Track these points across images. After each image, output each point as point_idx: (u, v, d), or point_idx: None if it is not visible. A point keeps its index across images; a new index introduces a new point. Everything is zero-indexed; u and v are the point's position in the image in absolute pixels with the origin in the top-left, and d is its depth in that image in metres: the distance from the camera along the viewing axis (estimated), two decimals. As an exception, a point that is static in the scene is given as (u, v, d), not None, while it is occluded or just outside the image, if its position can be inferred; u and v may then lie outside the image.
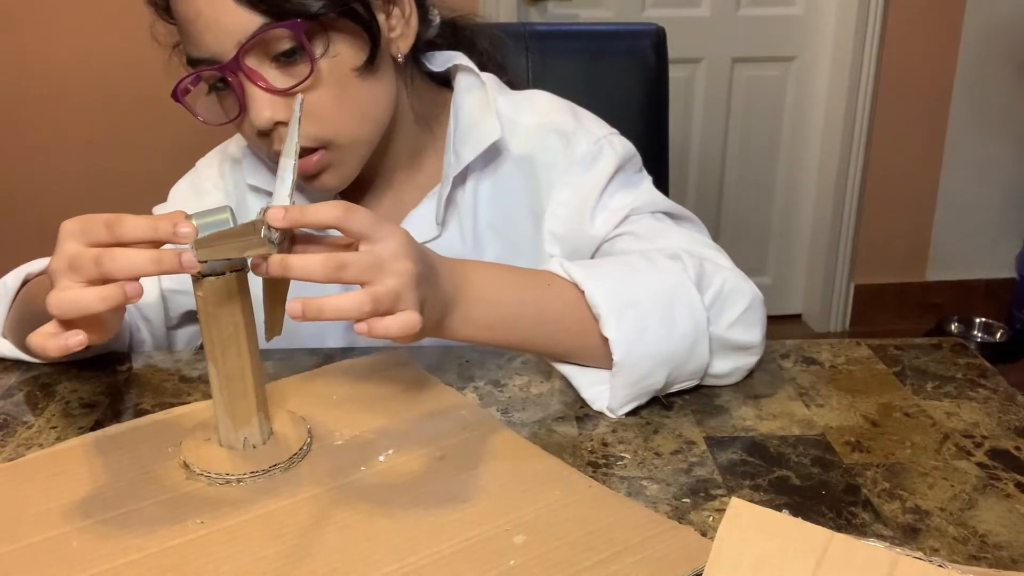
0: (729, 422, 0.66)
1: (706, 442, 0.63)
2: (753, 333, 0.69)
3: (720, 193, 2.45)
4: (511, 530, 0.52)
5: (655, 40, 1.07)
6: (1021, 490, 0.58)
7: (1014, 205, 2.47)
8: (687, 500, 0.56)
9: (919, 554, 0.50)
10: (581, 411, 0.67)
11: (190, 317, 0.87)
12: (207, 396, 0.70)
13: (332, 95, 0.73)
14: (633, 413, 0.67)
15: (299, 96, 0.61)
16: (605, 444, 0.63)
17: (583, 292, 0.66)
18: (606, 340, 0.64)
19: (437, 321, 0.61)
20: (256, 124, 0.71)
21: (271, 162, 0.76)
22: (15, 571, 0.51)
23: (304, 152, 0.73)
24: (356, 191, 0.83)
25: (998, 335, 2.38)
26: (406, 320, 0.55)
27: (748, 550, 0.49)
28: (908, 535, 0.53)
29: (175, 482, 0.58)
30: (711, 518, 0.55)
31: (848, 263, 2.47)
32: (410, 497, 0.55)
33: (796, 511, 0.55)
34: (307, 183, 0.76)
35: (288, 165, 0.56)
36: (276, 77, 0.71)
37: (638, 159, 0.84)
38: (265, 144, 0.74)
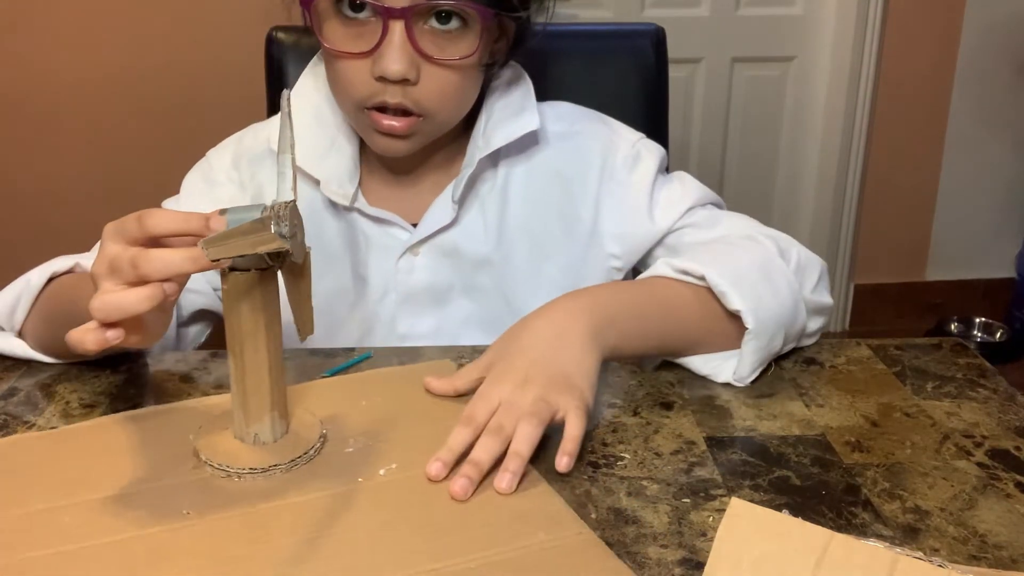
0: (729, 422, 0.66)
1: (706, 442, 0.63)
2: (828, 296, 0.78)
3: (720, 192, 2.42)
4: (475, 568, 0.50)
5: (655, 40, 1.07)
6: (1021, 490, 0.58)
7: (1014, 205, 2.47)
8: (687, 500, 0.56)
9: (919, 554, 0.50)
10: (581, 411, 0.67)
11: (200, 316, 0.88)
12: (207, 396, 0.70)
13: (457, 78, 0.76)
14: (634, 413, 0.67)
15: (286, 91, 0.61)
16: (605, 444, 0.63)
17: (703, 277, 0.70)
18: (731, 317, 0.70)
19: (609, 349, 0.66)
20: (386, 71, 0.72)
21: (356, 111, 0.77)
22: (6, 536, 0.53)
23: (403, 112, 0.75)
24: (389, 180, 0.85)
25: (998, 335, 2.38)
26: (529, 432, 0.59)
27: (748, 550, 0.49)
28: (908, 535, 0.53)
29: (182, 469, 0.59)
30: (711, 518, 0.55)
31: (848, 263, 2.47)
32: (389, 518, 0.54)
33: (796, 511, 0.55)
34: (385, 140, 0.77)
35: (287, 160, 0.57)
36: (428, 41, 0.73)
37: (667, 158, 0.89)
38: (370, 89, 0.74)
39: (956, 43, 2.28)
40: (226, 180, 0.86)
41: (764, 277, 0.72)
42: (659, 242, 0.85)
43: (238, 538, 0.53)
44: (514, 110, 0.83)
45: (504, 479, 0.56)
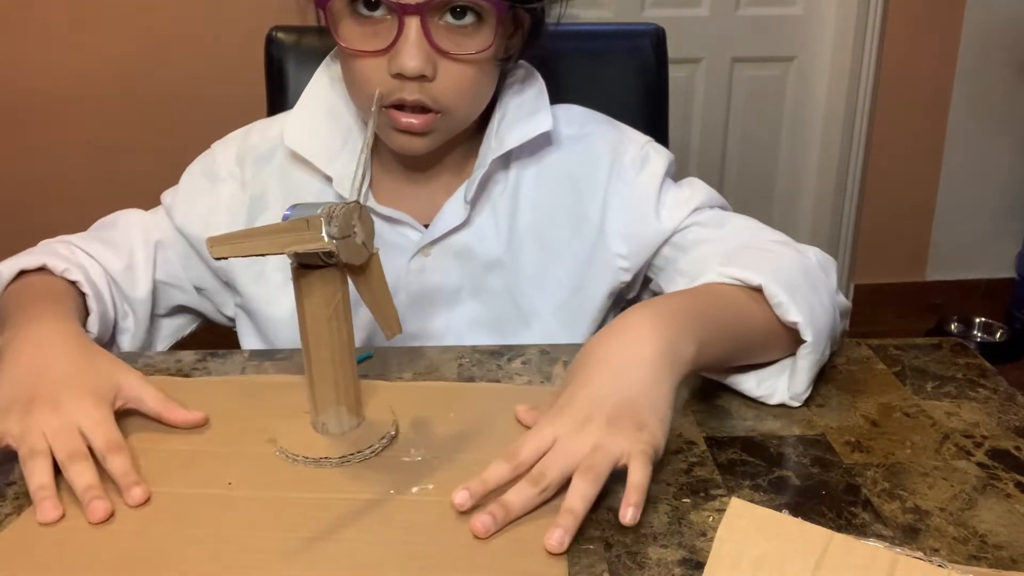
0: (729, 422, 0.66)
1: (706, 442, 0.63)
2: (843, 298, 0.76)
3: (719, 192, 2.44)
4: None
5: (655, 40, 1.07)
6: (1021, 490, 0.58)
7: (1014, 205, 2.47)
8: (687, 500, 0.56)
9: (919, 554, 0.50)
10: (581, 411, 0.67)
11: (180, 310, 0.89)
12: (207, 396, 0.70)
13: (474, 73, 0.76)
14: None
15: (377, 90, 0.61)
16: (605, 444, 0.63)
17: (759, 287, 0.67)
18: (785, 327, 0.67)
19: (687, 365, 0.61)
20: (403, 68, 0.72)
21: (370, 107, 0.76)
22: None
23: (420, 109, 0.75)
24: (401, 180, 0.85)
25: (998, 335, 2.38)
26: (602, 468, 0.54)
27: (748, 550, 0.49)
28: (908, 535, 0.53)
29: (254, 442, 0.63)
30: (711, 518, 0.54)
31: (848, 263, 2.47)
32: (390, 538, 0.53)
33: (796, 511, 0.55)
34: (403, 137, 0.77)
35: (361, 160, 0.58)
36: (443, 37, 0.73)
37: (674, 163, 0.89)
38: (386, 87, 0.74)
39: (956, 43, 2.28)
40: (228, 176, 0.86)
41: (810, 286, 0.70)
42: (666, 241, 0.84)
43: (246, 519, 0.55)
44: (527, 111, 0.83)
45: (555, 535, 0.51)
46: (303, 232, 0.53)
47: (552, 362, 0.75)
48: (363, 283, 0.58)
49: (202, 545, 0.52)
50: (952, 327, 2.39)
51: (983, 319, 2.41)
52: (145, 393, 0.64)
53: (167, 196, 0.87)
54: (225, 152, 0.87)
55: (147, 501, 0.56)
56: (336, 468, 0.60)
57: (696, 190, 0.86)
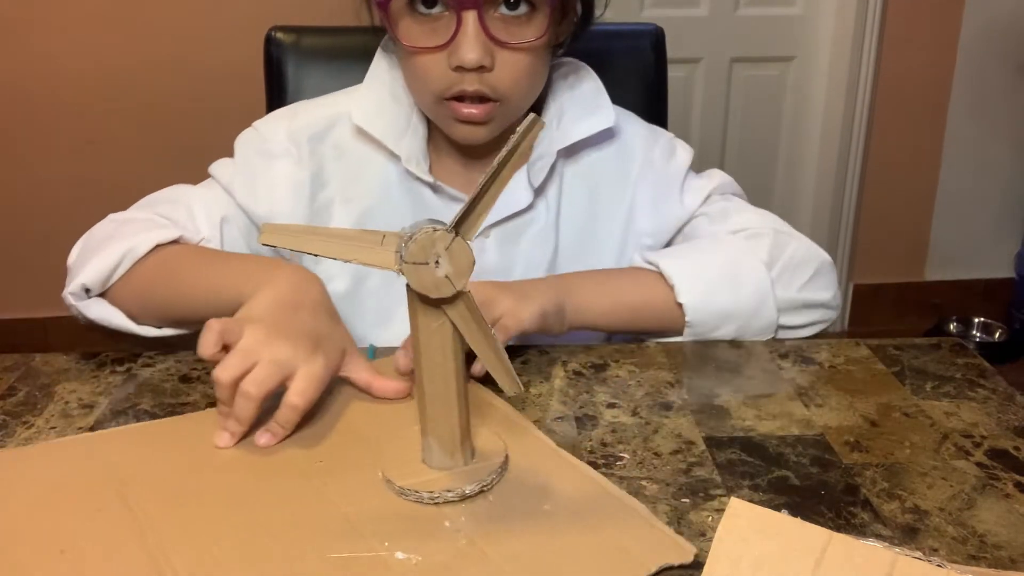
0: (729, 422, 0.66)
1: (706, 442, 0.63)
2: (824, 293, 0.83)
3: (719, 193, 2.45)
4: None
5: (654, 40, 1.07)
6: (1020, 490, 0.58)
7: (1013, 205, 2.47)
8: (686, 500, 0.56)
9: (918, 554, 0.51)
10: (580, 411, 0.67)
11: None
12: (206, 397, 0.70)
13: (529, 61, 0.78)
14: (633, 413, 0.67)
15: (533, 115, 0.50)
16: (604, 444, 0.63)
17: (660, 270, 0.79)
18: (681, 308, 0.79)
19: (558, 317, 0.77)
20: (463, 60, 0.74)
21: (435, 103, 0.80)
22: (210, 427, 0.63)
23: (480, 99, 0.78)
24: (456, 165, 0.87)
25: (997, 335, 2.38)
26: None
27: (748, 550, 0.49)
28: (907, 535, 0.53)
29: (360, 447, 0.62)
30: (711, 518, 0.55)
31: (847, 263, 2.47)
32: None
33: (796, 511, 0.55)
34: (465, 128, 0.80)
35: (479, 186, 0.50)
36: (499, 28, 0.75)
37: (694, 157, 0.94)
38: (447, 80, 0.77)
39: (955, 43, 2.28)
40: (283, 153, 0.86)
41: (727, 274, 0.80)
42: (679, 230, 0.90)
43: (294, 510, 0.55)
44: (591, 106, 0.87)
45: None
46: (373, 246, 0.50)
47: (551, 362, 0.75)
48: (460, 323, 0.53)
49: (225, 512, 0.55)
50: (951, 327, 2.39)
51: (982, 319, 2.41)
52: (360, 365, 0.69)
53: (223, 173, 0.87)
54: (273, 129, 0.87)
55: (263, 450, 0.61)
56: (391, 495, 0.57)
57: (712, 177, 0.92)
